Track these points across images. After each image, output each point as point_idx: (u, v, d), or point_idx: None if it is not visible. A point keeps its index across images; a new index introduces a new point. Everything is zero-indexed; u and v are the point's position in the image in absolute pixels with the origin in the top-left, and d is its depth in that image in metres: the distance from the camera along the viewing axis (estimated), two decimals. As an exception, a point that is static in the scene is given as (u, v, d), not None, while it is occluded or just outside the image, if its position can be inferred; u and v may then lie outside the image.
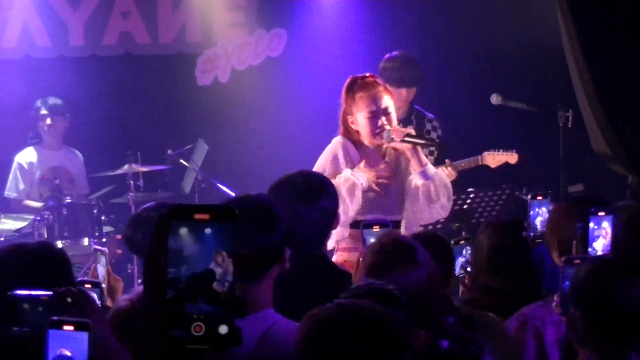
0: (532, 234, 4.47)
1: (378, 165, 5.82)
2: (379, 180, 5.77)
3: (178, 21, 10.27)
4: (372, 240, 4.08)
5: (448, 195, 5.85)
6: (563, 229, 4.00)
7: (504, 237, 4.54)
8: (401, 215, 5.82)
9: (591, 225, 3.72)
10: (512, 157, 7.44)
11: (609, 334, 3.04)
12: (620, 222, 3.85)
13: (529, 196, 4.60)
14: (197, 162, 9.30)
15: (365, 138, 5.81)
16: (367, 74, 5.90)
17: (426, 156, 7.19)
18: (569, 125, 7.64)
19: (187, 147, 9.34)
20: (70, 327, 2.54)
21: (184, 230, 1.56)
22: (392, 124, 5.76)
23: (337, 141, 5.85)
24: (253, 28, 10.45)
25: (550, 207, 4.51)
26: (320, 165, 5.78)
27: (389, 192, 5.83)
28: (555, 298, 3.45)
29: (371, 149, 5.87)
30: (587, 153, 7.65)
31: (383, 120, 5.73)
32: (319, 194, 4.16)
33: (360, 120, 5.77)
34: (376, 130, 5.74)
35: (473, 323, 3.82)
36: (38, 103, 9.06)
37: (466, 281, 4.74)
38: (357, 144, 5.86)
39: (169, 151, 9.21)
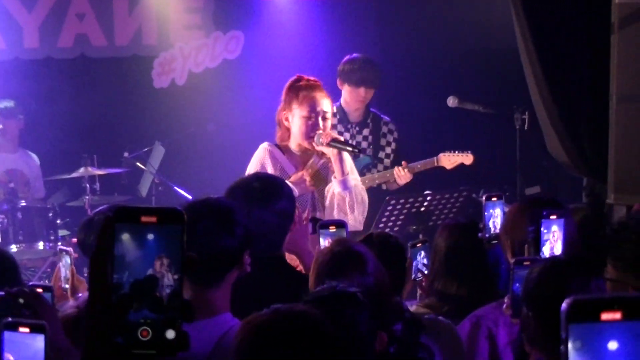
0: (487, 235, 4.46)
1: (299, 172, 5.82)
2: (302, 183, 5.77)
3: (134, 23, 10.22)
4: (329, 240, 4.08)
5: (363, 210, 5.82)
6: (517, 230, 4.00)
7: (460, 240, 4.55)
8: (322, 212, 5.83)
9: (542, 228, 3.72)
10: (467, 158, 7.47)
11: (559, 334, 3.04)
12: (573, 224, 3.86)
13: (484, 197, 4.59)
14: (154, 165, 9.25)
15: (296, 138, 5.79)
16: (312, 78, 5.90)
17: (382, 159, 7.23)
18: (526, 128, 7.68)
19: (144, 150, 9.29)
20: (26, 329, 2.49)
21: (128, 235, 1.52)
22: (326, 129, 5.75)
23: (263, 148, 5.82)
24: (210, 30, 10.42)
25: (506, 209, 4.52)
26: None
27: (308, 199, 5.83)
28: (505, 300, 3.46)
29: (297, 155, 5.86)
30: (543, 155, 7.68)
31: (319, 122, 5.72)
32: (274, 197, 4.15)
33: (296, 119, 5.76)
34: (310, 133, 5.72)
35: (422, 328, 3.82)
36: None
37: (423, 284, 4.73)
38: (284, 149, 5.85)
39: (126, 154, 9.15)
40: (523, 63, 6.75)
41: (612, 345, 1.31)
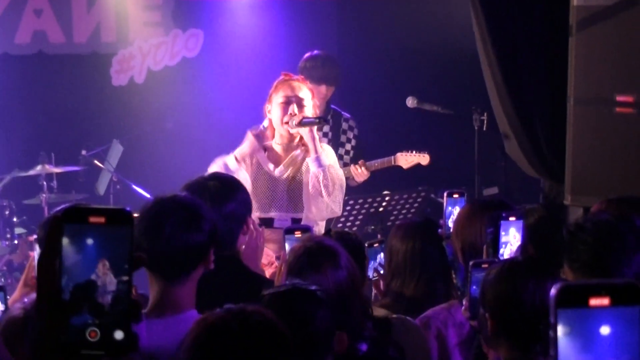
0: (447, 232, 4.48)
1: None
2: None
3: (93, 20, 10.15)
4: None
5: (341, 188, 5.89)
6: (467, 232, 4.03)
7: (415, 240, 4.56)
8: (300, 213, 5.86)
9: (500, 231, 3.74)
10: (424, 159, 7.49)
11: (515, 335, 3.08)
12: (526, 226, 3.89)
13: (445, 193, 4.61)
14: (112, 163, 9.20)
15: (276, 127, 5.87)
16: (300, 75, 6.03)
17: (342, 156, 7.25)
18: (484, 129, 7.71)
19: (102, 148, 9.23)
20: None
21: (74, 238, 1.51)
22: (302, 113, 5.82)
23: (216, 161, 5.89)
24: (169, 28, 10.38)
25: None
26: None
27: (292, 190, 5.86)
28: (463, 302, 3.47)
29: (278, 153, 5.91)
30: (502, 156, 7.73)
31: (294, 108, 5.78)
32: (225, 199, 4.14)
33: (274, 106, 5.88)
34: (285, 118, 5.79)
35: (390, 327, 3.84)
36: None
37: (380, 284, 4.74)
38: (267, 146, 5.91)
39: (84, 152, 9.08)
40: (482, 65, 6.80)
41: (601, 330, 1.34)
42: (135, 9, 10.23)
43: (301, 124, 5.79)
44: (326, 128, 7.45)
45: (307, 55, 7.52)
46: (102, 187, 9.34)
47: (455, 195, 4.60)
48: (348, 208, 6.81)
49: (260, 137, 5.89)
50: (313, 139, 5.82)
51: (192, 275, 3.33)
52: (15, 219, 8.53)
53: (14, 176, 8.59)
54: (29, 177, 8.75)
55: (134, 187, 8.79)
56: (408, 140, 8.34)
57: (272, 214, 5.84)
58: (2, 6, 9.85)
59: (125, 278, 1.51)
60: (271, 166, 5.91)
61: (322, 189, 5.77)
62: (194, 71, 10.41)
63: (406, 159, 7.45)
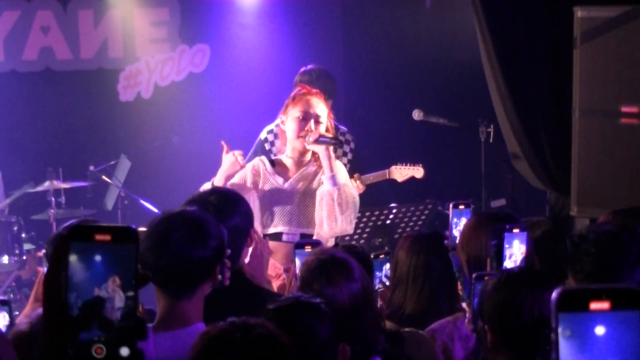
0: (453, 243, 4.47)
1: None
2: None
3: (99, 36, 10.19)
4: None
5: (354, 211, 5.89)
6: (473, 245, 4.03)
7: (420, 252, 4.56)
8: (312, 229, 5.86)
9: (504, 243, 3.74)
10: (418, 172, 7.46)
11: (514, 346, 3.09)
12: (531, 239, 3.89)
13: (451, 205, 4.60)
14: (120, 178, 9.22)
15: (290, 140, 5.87)
16: (316, 90, 6.02)
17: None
18: (491, 141, 7.72)
19: (110, 163, 9.25)
20: None
21: (80, 255, 1.53)
22: (318, 130, 5.84)
23: (253, 165, 5.92)
24: (176, 43, 10.41)
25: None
26: (239, 176, 5.86)
27: (302, 206, 5.87)
28: (467, 315, 3.48)
29: (289, 167, 5.92)
30: (508, 168, 7.73)
31: (311, 124, 5.79)
32: (229, 213, 4.15)
33: (290, 120, 5.88)
34: (301, 133, 5.80)
35: (402, 340, 3.84)
36: None
37: (386, 295, 4.75)
38: (277, 161, 5.93)
39: (91, 167, 9.11)
40: (487, 77, 6.81)
41: (601, 334, 1.36)
42: (141, 24, 10.27)
43: (318, 142, 5.80)
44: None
45: (301, 69, 7.51)
46: (110, 203, 9.36)
47: (461, 207, 4.59)
48: (355, 221, 6.82)
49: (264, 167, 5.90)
50: (329, 157, 5.82)
51: (199, 291, 3.33)
52: (23, 235, 8.56)
53: (25, 192, 8.62)
54: (37, 193, 8.78)
55: (142, 202, 8.80)
56: (415, 154, 8.33)
57: (282, 229, 5.84)
58: (9, 24, 9.90)
59: (131, 294, 1.53)
60: (280, 180, 5.91)
61: (337, 207, 5.77)
62: (200, 86, 10.43)
63: (400, 172, 7.42)
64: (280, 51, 10.25)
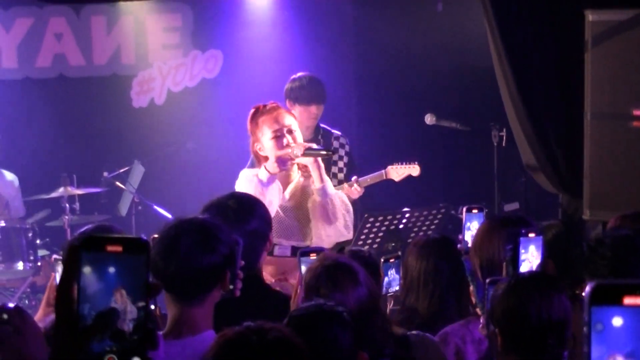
0: (465, 247, 4.47)
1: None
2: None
3: (113, 43, 10.22)
4: None
5: (349, 214, 5.88)
6: (486, 249, 4.02)
7: (430, 257, 4.56)
8: (305, 241, 5.85)
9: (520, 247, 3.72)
10: (414, 170, 7.45)
11: (522, 350, 3.10)
12: (545, 242, 3.88)
13: (464, 209, 4.60)
14: (134, 184, 9.24)
15: (273, 160, 5.78)
16: (270, 102, 5.93)
17: (336, 174, 7.22)
18: (503, 144, 7.72)
19: (123, 169, 9.27)
20: None
21: (92, 266, 1.54)
22: (296, 141, 5.78)
23: (243, 175, 5.85)
24: (188, 49, 10.44)
25: (484, 224, 4.53)
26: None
27: (294, 219, 5.85)
28: (481, 320, 3.48)
29: (278, 177, 5.88)
30: (521, 171, 7.73)
31: (288, 138, 5.75)
32: (248, 216, 4.16)
33: (266, 143, 5.76)
34: (283, 149, 5.74)
35: (409, 344, 3.85)
36: None
37: (393, 304, 4.76)
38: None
39: (105, 173, 9.13)
40: (498, 82, 6.82)
41: (633, 328, 1.36)
42: (154, 30, 10.30)
43: (306, 154, 5.76)
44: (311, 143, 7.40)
45: (291, 77, 7.50)
46: (124, 208, 9.39)
47: (474, 210, 4.59)
48: (368, 226, 6.82)
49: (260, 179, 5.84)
50: (318, 167, 5.80)
51: (209, 297, 3.34)
52: (38, 241, 8.59)
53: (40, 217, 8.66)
54: (51, 199, 8.81)
55: (156, 207, 8.83)
56: (427, 157, 8.34)
57: (276, 240, 5.78)
58: (22, 31, 9.94)
59: (142, 305, 1.55)
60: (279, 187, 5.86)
61: (331, 216, 5.77)
62: (213, 92, 10.45)
63: (397, 172, 7.41)
64: (293, 56, 10.26)
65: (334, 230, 5.83)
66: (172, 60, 10.40)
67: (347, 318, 3.06)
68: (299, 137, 5.81)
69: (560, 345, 3.07)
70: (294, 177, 5.96)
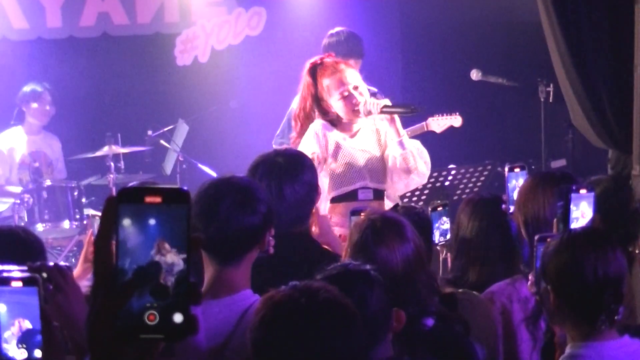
0: (510, 207, 4.41)
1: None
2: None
3: (156, 1, 10.20)
4: None
5: (426, 162, 5.81)
6: (530, 206, 3.96)
7: (483, 218, 4.49)
8: (384, 184, 5.79)
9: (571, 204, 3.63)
10: (455, 120, 7.39)
11: (578, 307, 3.04)
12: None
13: (507, 168, 4.54)
14: (178, 142, 9.25)
15: (345, 117, 5.74)
16: (324, 56, 5.85)
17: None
18: (550, 100, 7.63)
19: (168, 128, 9.28)
20: (19, 284, 2.42)
21: (131, 218, 1.47)
22: (363, 95, 5.71)
23: (318, 123, 5.77)
24: (232, 7, 10.40)
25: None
26: (304, 148, 5.73)
27: (372, 161, 5.77)
28: (530, 277, 3.42)
29: (349, 124, 5.81)
30: (568, 128, 7.64)
31: (356, 96, 5.68)
32: (299, 168, 4.15)
33: (334, 103, 5.71)
34: (354, 108, 5.68)
35: (456, 302, 3.81)
36: (38, 87, 8.91)
37: (446, 252, 4.71)
38: (335, 122, 5.79)
39: (149, 132, 9.15)
40: (546, 37, 6.71)
41: None
42: (197, -12, 10.27)
43: (383, 112, 5.68)
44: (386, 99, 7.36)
45: (328, 33, 7.45)
46: (168, 167, 9.40)
47: (517, 169, 4.53)
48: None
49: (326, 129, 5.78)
50: (394, 122, 5.72)
51: (247, 257, 3.33)
52: (83, 200, 8.62)
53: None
54: (96, 158, 8.83)
55: (200, 166, 8.83)
56: (472, 113, 8.26)
57: (357, 185, 5.73)
58: (67, -10, 9.95)
59: (184, 257, 1.47)
60: (346, 137, 5.79)
61: (410, 168, 5.70)
62: (257, 49, 10.41)
63: (438, 123, 7.35)
64: (337, 14, 10.18)
65: (412, 181, 5.78)
66: (215, 18, 10.37)
67: (374, 276, 3.02)
68: (365, 91, 5.74)
69: (616, 301, 3.02)
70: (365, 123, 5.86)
